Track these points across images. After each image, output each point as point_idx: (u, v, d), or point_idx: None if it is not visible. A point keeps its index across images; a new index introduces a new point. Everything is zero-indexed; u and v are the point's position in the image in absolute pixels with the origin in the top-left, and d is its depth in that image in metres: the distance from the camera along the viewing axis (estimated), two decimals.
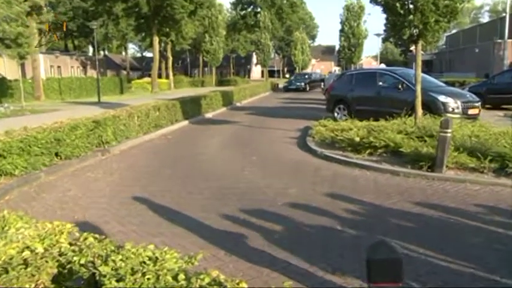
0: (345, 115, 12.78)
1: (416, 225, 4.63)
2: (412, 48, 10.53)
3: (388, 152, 7.77)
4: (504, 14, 31.61)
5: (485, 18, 72.95)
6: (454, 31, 54.24)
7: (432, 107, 10.36)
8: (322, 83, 30.30)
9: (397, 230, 4.49)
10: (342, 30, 32.95)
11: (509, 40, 30.19)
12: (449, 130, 6.31)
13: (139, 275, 1.74)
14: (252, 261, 3.74)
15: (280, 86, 37.94)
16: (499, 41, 31.17)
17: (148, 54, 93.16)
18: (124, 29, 54.10)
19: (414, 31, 8.19)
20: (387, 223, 4.70)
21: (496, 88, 15.37)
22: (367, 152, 7.93)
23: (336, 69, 51.66)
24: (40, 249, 2.06)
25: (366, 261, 2.11)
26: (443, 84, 12.56)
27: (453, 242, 4.13)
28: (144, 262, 1.88)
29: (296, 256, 3.83)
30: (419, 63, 8.72)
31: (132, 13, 37.05)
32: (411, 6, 7.94)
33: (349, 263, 3.67)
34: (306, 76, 38.89)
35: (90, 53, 60.12)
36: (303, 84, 35.94)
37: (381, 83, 12.35)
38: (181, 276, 1.73)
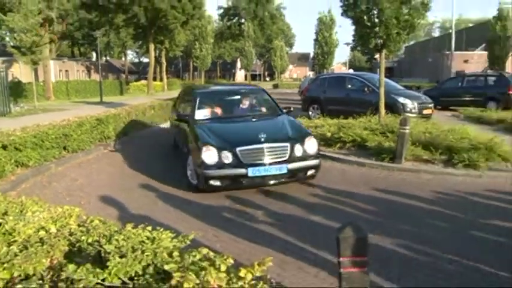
0: (318, 114, 12.67)
1: (379, 209, 4.71)
2: (377, 56, 10.61)
3: (356, 146, 7.79)
4: (451, 31, 32.56)
5: (436, 33, 74.50)
6: (411, 42, 54.89)
7: (393, 108, 10.40)
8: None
9: (363, 213, 4.57)
10: (316, 40, 32.90)
11: (456, 52, 31.32)
12: (407, 127, 6.39)
13: (139, 252, 1.74)
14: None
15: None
16: (447, 52, 32.30)
17: (144, 60, 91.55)
18: (124, 38, 53.38)
19: (379, 41, 8.25)
20: (354, 207, 4.77)
21: (445, 92, 15.68)
22: (337, 146, 7.93)
23: (311, 74, 51.76)
24: (53, 229, 2.07)
25: (336, 238, 2.15)
26: (403, 88, 12.63)
27: (409, 220, 4.24)
28: (143, 241, 1.88)
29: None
30: (383, 69, 8.78)
31: (131, 23, 36.60)
32: (376, 20, 8.00)
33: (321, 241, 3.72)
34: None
35: (94, 59, 59.25)
36: None
37: (349, 86, 12.30)
38: (176, 253, 1.75)
